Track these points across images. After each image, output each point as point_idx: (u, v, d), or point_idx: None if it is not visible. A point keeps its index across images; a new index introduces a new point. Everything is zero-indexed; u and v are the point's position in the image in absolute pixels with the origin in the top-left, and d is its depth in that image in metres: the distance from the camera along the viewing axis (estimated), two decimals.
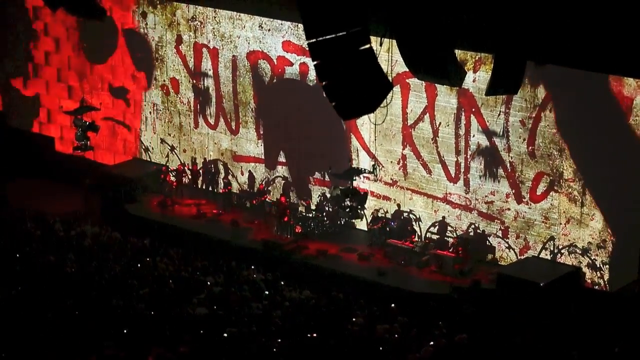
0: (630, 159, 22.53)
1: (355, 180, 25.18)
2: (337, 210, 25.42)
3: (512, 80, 16.11)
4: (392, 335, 19.45)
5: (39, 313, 19.74)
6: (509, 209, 24.30)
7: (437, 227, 25.32)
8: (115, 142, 30.75)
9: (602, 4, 15.47)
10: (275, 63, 27.38)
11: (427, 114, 25.06)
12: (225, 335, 19.04)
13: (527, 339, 19.45)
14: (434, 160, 25.21)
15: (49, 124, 32.18)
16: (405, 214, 25.56)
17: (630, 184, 22.53)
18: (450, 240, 24.95)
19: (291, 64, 27.06)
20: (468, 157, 24.64)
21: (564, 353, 18.94)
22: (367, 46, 15.35)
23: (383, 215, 25.78)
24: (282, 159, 27.73)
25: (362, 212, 25.03)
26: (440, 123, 24.87)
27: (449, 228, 25.11)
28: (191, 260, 24.40)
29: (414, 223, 25.49)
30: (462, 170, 24.79)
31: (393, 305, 21.64)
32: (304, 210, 26.65)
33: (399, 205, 25.73)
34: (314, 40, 15.28)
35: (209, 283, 22.26)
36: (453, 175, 24.97)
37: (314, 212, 26.44)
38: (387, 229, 25.49)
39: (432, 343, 19.07)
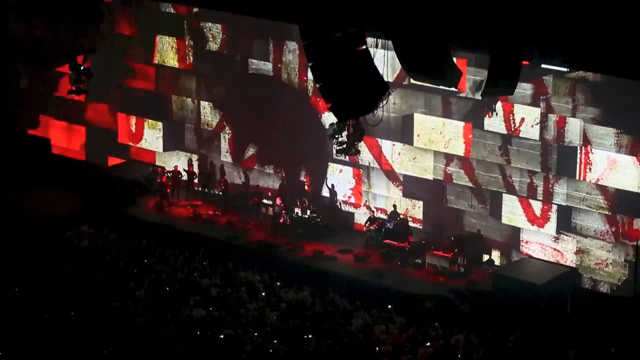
0: None
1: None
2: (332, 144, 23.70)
3: (508, 81, 16.08)
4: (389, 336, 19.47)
5: (36, 314, 19.73)
6: None
7: (433, 227, 25.27)
8: None
9: (600, 4, 15.45)
10: None
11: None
12: (222, 336, 19.04)
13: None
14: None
15: None
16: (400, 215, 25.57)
17: None
18: (446, 241, 24.93)
19: None
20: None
21: (561, 353, 18.95)
22: (363, 47, 15.35)
23: (379, 216, 25.77)
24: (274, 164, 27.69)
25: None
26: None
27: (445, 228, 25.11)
28: (187, 261, 24.36)
29: (409, 224, 25.42)
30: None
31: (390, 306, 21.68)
32: (300, 212, 26.64)
33: (394, 206, 25.69)
34: (310, 41, 15.28)
35: (205, 284, 22.23)
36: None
37: (309, 214, 26.43)
38: (383, 229, 25.46)
39: (428, 344, 19.07)
